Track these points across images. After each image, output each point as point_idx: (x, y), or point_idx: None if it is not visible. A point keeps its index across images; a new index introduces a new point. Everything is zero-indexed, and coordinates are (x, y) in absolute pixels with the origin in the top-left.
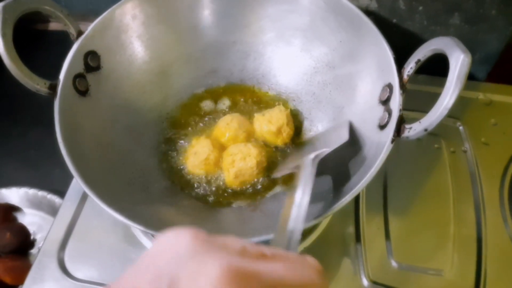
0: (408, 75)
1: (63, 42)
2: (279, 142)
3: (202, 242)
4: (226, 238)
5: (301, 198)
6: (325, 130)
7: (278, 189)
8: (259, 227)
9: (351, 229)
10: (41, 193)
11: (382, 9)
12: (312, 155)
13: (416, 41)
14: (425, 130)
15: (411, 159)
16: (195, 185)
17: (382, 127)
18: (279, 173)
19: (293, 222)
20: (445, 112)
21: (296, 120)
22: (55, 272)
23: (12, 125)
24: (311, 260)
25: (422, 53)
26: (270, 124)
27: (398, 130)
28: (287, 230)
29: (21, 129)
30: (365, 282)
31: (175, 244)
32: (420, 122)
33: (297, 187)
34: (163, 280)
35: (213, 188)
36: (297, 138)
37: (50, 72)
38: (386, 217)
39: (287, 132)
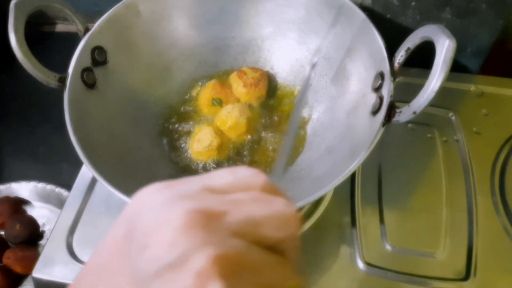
0: (398, 63)
1: (70, 43)
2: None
3: (162, 193)
4: (187, 181)
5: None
6: None
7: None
8: None
9: (347, 215)
10: (49, 187)
11: (376, 5)
12: None
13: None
14: (414, 112)
15: (405, 148)
16: (199, 172)
17: (374, 112)
18: None
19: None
20: (432, 95)
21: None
22: (64, 256)
23: (21, 122)
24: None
25: (411, 41)
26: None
27: (389, 115)
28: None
29: (30, 126)
30: (360, 264)
31: (147, 199)
32: (409, 106)
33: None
34: (134, 234)
35: None
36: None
37: (57, 71)
38: (381, 203)
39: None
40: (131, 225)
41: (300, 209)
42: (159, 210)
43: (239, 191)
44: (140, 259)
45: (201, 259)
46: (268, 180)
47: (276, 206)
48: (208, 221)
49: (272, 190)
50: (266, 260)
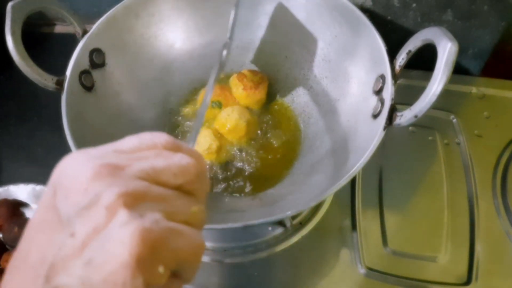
0: (400, 66)
1: (69, 44)
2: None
3: (76, 157)
4: (99, 147)
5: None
6: None
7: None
8: (257, 214)
9: (347, 219)
10: None
11: (377, 7)
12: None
13: (410, 38)
14: (415, 116)
15: (406, 151)
16: None
17: (375, 116)
18: None
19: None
20: (434, 98)
21: (293, 113)
22: None
23: (20, 124)
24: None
25: (412, 44)
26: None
27: (390, 118)
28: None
29: (28, 128)
30: (361, 268)
31: (61, 167)
32: (410, 109)
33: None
34: (57, 192)
35: (215, 177)
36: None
37: (56, 72)
38: (382, 207)
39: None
40: (56, 185)
41: (300, 213)
42: (75, 168)
43: (145, 151)
44: (64, 206)
45: (109, 196)
46: (170, 139)
47: (173, 159)
48: (113, 170)
49: (174, 146)
50: (168, 193)
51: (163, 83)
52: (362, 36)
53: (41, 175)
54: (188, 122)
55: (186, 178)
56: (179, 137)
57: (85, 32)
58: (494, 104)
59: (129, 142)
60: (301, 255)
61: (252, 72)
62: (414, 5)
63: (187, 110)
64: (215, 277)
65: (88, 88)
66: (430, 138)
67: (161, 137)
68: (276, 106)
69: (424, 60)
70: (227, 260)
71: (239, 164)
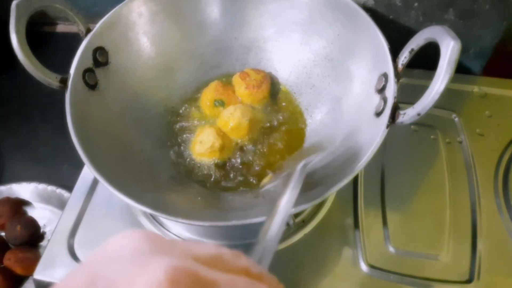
0: (402, 64)
1: (70, 43)
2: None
3: (148, 243)
4: (169, 239)
5: (284, 204)
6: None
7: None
8: (261, 212)
9: (349, 217)
10: (50, 188)
11: (379, 6)
12: (301, 163)
13: (412, 37)
14: (418, 114)
15: (408, 149)
16: (201, 173)
17: (378, 114)
18: (269, 185)
19: (271, 231)
20: (437, 96)
21: (296, 111)
22: (65, 258)
23: (22, 123)
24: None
25: (415, 42)
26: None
27: (393, 116)
28: (264, 240)
29: (31, 127)
30: (363, 266)
31: (120, 246)
32: (413, 108)
33: (282, 194)
34: (98, 284)
35: (218, 175)
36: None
37: (58, 71)
38: (384, 205)
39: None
40: (96, 275)
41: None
42: (131, 262)
43: (222, 267)
44: None
45: None
46: (252, 264)
47: None
48: (195, 283)
49: (256, 275)
50: None
51: (165, 81)
52: (365, 35)
53: (43, 174)
54: (191, 121)
55: None
56: (179, 136)
57: (88, 30)
58: (495, 103)
59: (206, 248)
60: (303, 253)
61: (255, 70)
62: (416, 4)
63: (189, 109)
64: None
65: (92, 86)
66: (432, 137)
67: (242, 259)
68: (278, 105)
69: (426, 59)
70: None
71: (242, 162)
